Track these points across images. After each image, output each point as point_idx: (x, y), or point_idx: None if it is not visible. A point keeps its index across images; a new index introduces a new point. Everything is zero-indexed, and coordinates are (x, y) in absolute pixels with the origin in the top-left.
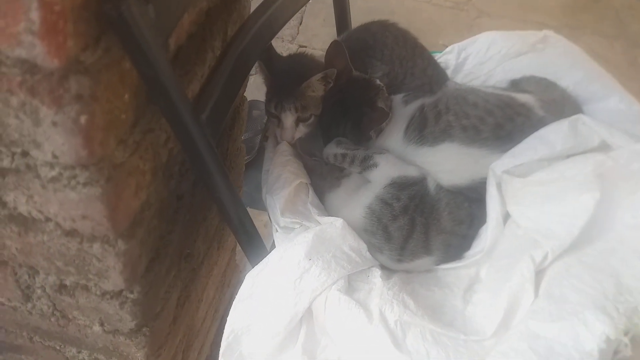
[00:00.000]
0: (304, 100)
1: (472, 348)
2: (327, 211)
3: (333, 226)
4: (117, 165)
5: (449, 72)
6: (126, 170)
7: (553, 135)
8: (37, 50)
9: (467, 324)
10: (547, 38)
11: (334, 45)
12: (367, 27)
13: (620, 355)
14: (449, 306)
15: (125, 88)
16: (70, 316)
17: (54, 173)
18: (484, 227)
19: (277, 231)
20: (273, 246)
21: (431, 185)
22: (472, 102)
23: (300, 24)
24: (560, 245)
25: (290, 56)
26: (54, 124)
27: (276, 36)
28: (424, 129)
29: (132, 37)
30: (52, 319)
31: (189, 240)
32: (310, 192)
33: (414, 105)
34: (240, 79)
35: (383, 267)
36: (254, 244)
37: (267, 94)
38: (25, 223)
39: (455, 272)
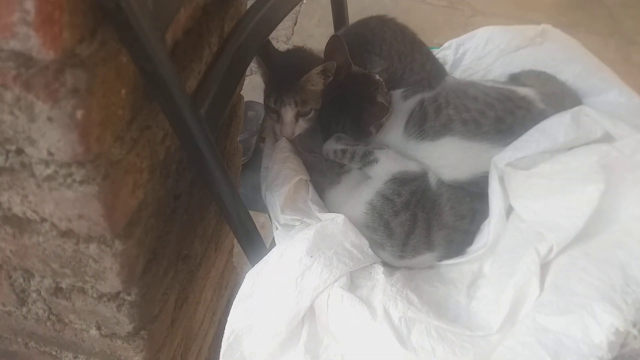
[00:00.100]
0: (303, 94)
1: (478, 344)
2: (327, 208)
3: (334, 222)
4: (114, 162)
5: (447, 68)
6: (123, 168)
7: (556, 127)
8: (32, 42)
9: (472, 320)
10: (546, 32)
11: (333, 39)
12: (365, 22)
13: (629, 348)
14: (453, 302)
15: (121, 83)
16: (66, 320)
17: (49, 171)
18: (486, 221)
19: (277, 229)
20: (272, 246)
21: (432, 180)
22: (473, 95)
23: (295, 24)
24: (566, 238)
25: (288, 51)
26: (50, 119)
27: (271, 37)
28: (424, 124)
29: (130, 29)
30: (48, 324)
31: (187, 241)
32: (311, 188)
33: (414, 100)
34: (237, 75)
35: (385, 264)
36: (253, 242)
37: (266, 89)
38: (20, 224)
39: (458, 268)
